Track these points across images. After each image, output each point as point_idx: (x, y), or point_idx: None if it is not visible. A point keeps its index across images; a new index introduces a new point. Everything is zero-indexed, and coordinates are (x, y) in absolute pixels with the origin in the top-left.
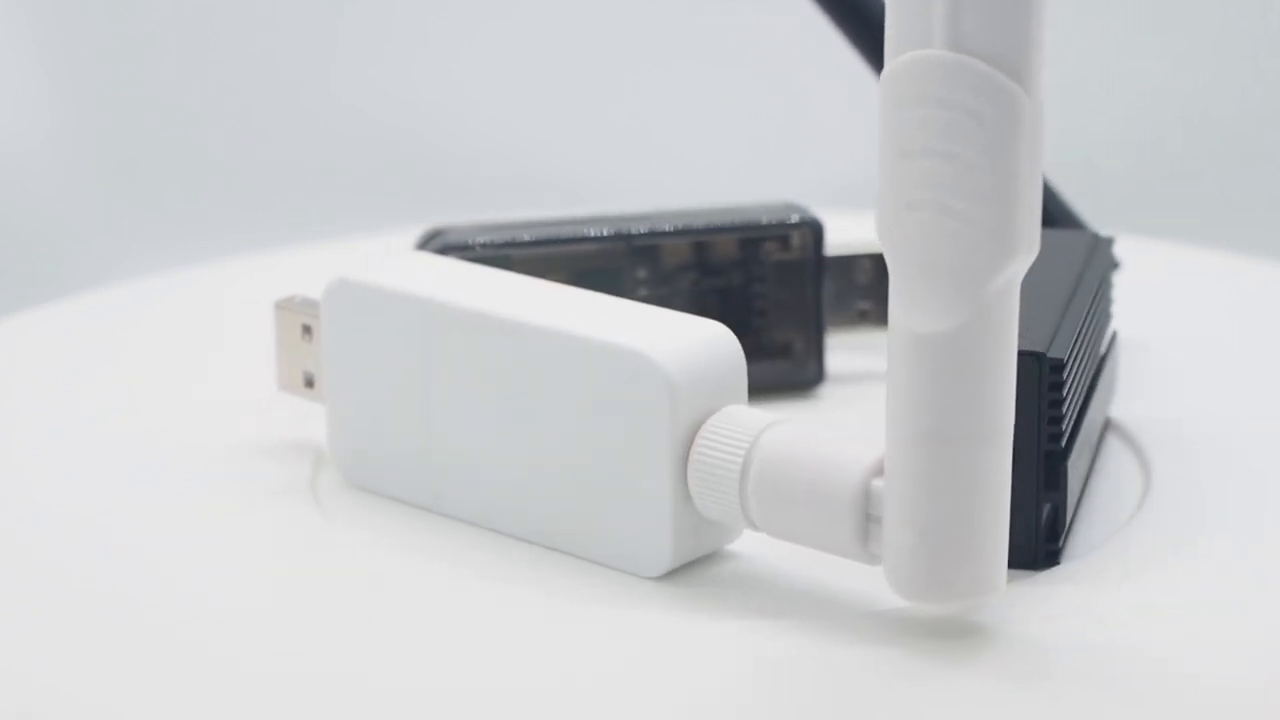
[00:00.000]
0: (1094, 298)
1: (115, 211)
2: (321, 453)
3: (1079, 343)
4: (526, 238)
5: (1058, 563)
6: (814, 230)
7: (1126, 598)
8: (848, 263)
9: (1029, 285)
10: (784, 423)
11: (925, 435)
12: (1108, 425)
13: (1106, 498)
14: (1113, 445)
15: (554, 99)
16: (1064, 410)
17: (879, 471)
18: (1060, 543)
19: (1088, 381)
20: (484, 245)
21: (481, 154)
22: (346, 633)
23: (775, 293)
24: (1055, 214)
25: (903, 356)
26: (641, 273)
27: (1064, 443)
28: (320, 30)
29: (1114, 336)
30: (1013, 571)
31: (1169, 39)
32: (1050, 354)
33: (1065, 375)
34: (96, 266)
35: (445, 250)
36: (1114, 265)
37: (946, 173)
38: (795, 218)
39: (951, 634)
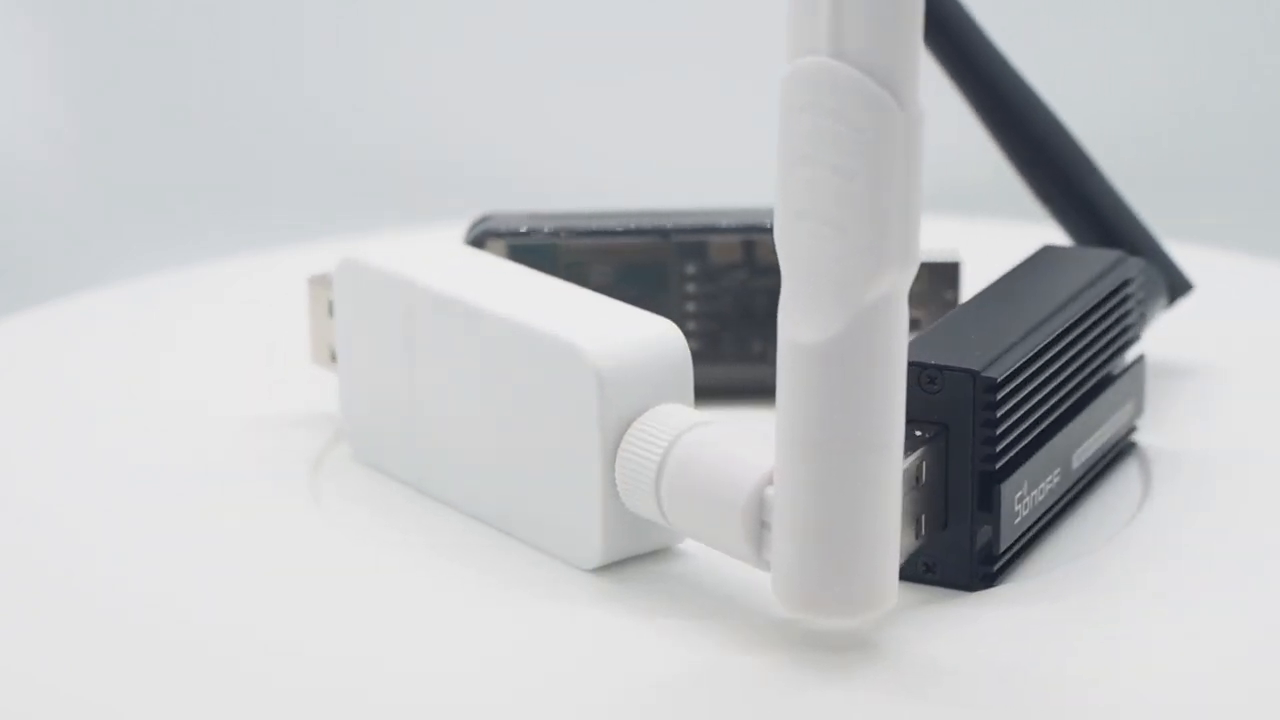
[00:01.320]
0: (1084, 319)
1: (115, 211)
2: (320, 453)
3: (1039, 364)
4: (573, 228)
5: (993, 585)
6: None
7: (1045, 623)
8: None
9: (1004, 301)
10: (710, 425)
11: (804, 444)
12: (1129, 448)
13: (1091, 523)
14: (1127, 468)
15: (555, 99)
16: (1000, 431)
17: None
18: (996, 566)
19: (1064, 404)
20: (530, 234)
21: (483, 154)
22: (328, 630)
23: None
24: (1142, 244)
25: (786, 365)
26: (690, 269)
27: (1000, 465)
28: (321, 31)
29: (1138, 358)
30: (947, 591)
31: (1165, 38)
32: (986, 373)
33: (1004, 396)
34: (96, 266)
35: (490, 237)
36: (1185, 288)
37: (827, 181)
38: None
39: (845, 647)
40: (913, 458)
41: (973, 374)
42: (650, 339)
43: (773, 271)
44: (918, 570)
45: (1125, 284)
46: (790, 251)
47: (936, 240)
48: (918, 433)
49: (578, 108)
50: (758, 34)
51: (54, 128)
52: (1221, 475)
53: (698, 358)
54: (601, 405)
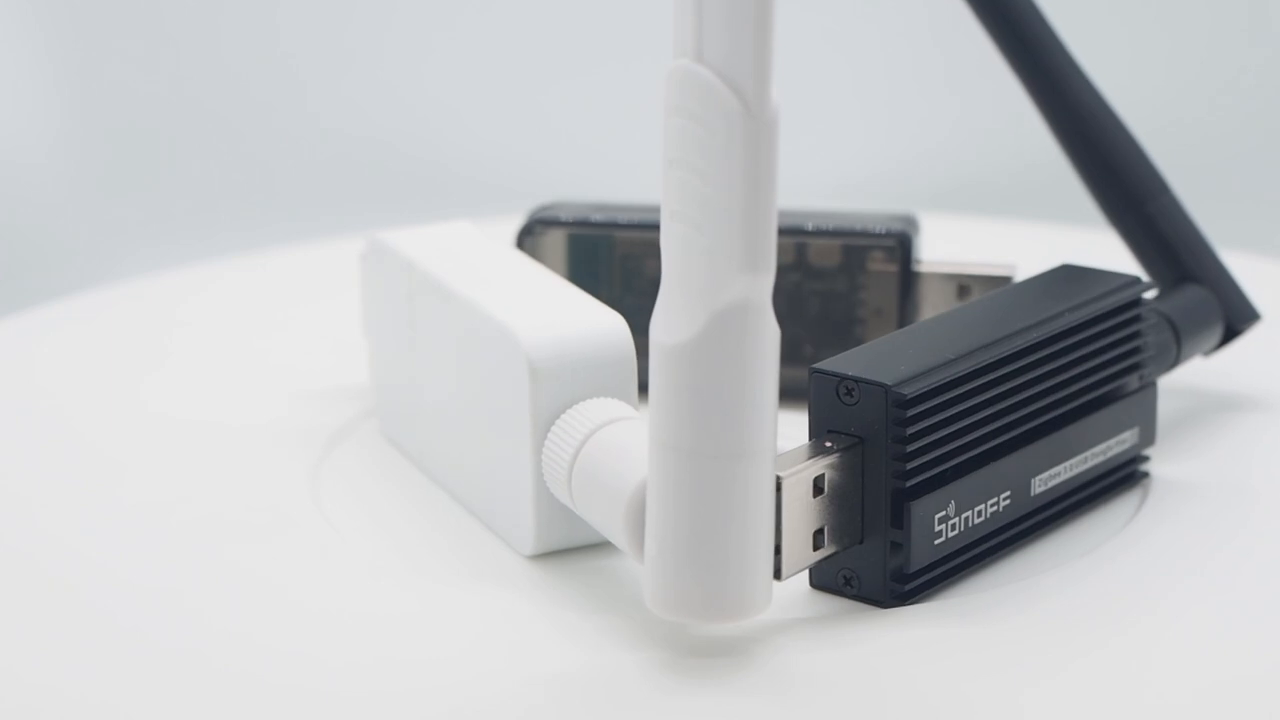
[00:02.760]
0: (1055, 341)
1: (115, 211)
2: (320, 453)
3: (974, 384)
4: (629, 221)
5: (906, 601)
6: (901, 243)
7: (932, 644)
8: (945, 279)
9: (967, 318)
10: (627, 420)
11: (665, 446)
12: (1136, 478)
13: (1053, 550)
14: (1127, 499)
15: (556, 98)
16: (913, 449)
17: None
18: (909, 585)
19: (1016, 426)
20: (584, 224)
21: (484, 154)
22: (322, 631)
23: (873, 301)
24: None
25: (653, 366)
26: None
27: (913, 483)
28: (321, 31)
29: (1145, 385)
30: (860, 606)
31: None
32: (898, 389)
33: (919, 413)
34: (96, 266)
35: (549, 226)
36: (1252, 317)
37: (689, 183)
38: (882, 229)
39: (722, 651)
40: (804, 467)
41: (885, 388)
42: (591, 332)
43: (826, 275)
44: (838, 582)
45: (1123, 309)
46: (665, 252)
47: (986, 250)
48: (828, 444)
49: (581, 107)
50: None
51: (55, 128)
52: (1221, 510)
53: None
54: (533, 395)
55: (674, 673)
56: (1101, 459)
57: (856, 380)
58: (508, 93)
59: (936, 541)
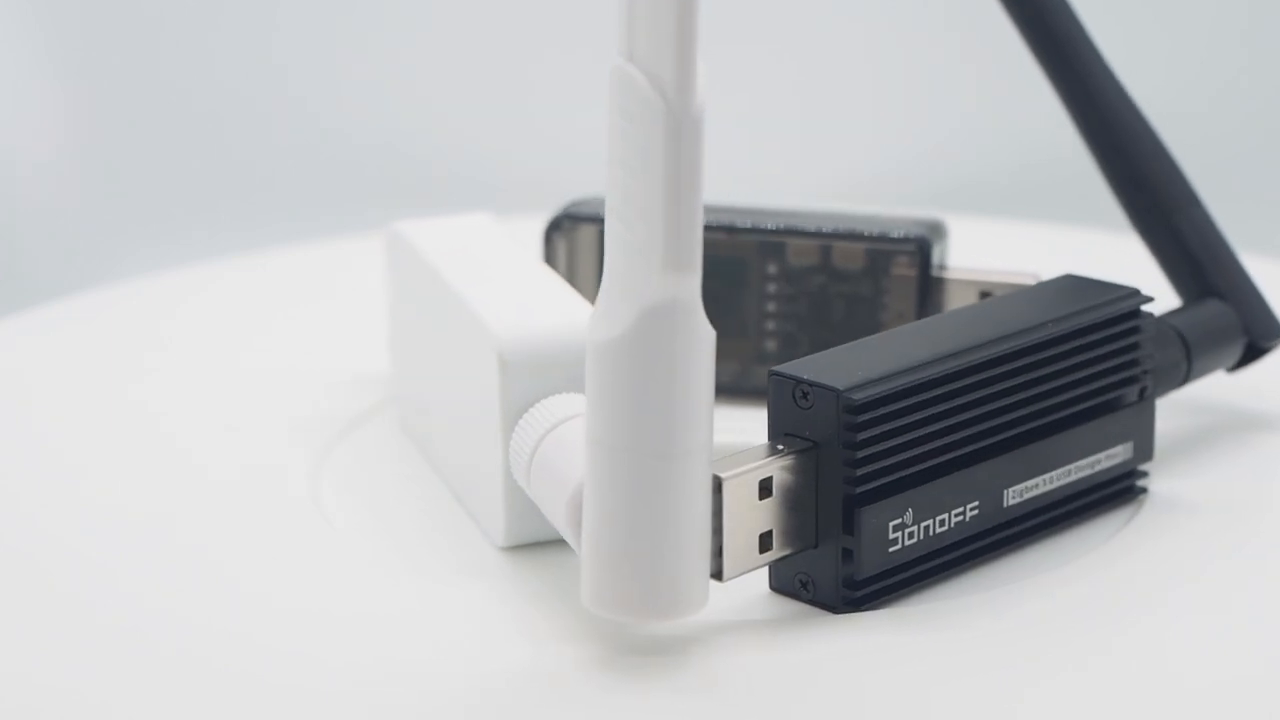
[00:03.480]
0: (1032, 352)
1: (114, 211)
2: (320, 453)
3: (936, 392)
4: None
5: (859, 607)
6: (920, 248)
7: (871, 653)
8: (966, 285)
9: (944, 325)
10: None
11: (598, 444)
12: (1132, 493)
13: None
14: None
15: (558, 98)
16: (865, 455)
17: None
18: (860, 591)
19: (985, 437)
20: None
21: (486, 153)
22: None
23: (894, 306)
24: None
25: (588, 362)
26: (771, 268)
27: (865, 489)
28: (322, 31)
29: (1142, 399)
30: (813, 610)
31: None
32: (849, 393)
33: (872, 419)
34: (96, 266)
35: (573, 220)
36: (1277, 335)
37: (622, 180)
38: (902, 234)
39: (656, 650)
40: (748, 468)
41: (836, 393)
42: (566, 327)
43: (851, 278)
44: (794, 586)
45: (1114, 322)
46: (605, 249)
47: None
48: (779, 447)
49: (582, 107)
50: (755, 34)
51: (55, 128)
52: (1214, 528)
53: (774, 358)
54: (503, 387)
55: (610, 670)
56: (1088, 473)
57: (811, 384)
58: (516, 91)
59: (892, 549)
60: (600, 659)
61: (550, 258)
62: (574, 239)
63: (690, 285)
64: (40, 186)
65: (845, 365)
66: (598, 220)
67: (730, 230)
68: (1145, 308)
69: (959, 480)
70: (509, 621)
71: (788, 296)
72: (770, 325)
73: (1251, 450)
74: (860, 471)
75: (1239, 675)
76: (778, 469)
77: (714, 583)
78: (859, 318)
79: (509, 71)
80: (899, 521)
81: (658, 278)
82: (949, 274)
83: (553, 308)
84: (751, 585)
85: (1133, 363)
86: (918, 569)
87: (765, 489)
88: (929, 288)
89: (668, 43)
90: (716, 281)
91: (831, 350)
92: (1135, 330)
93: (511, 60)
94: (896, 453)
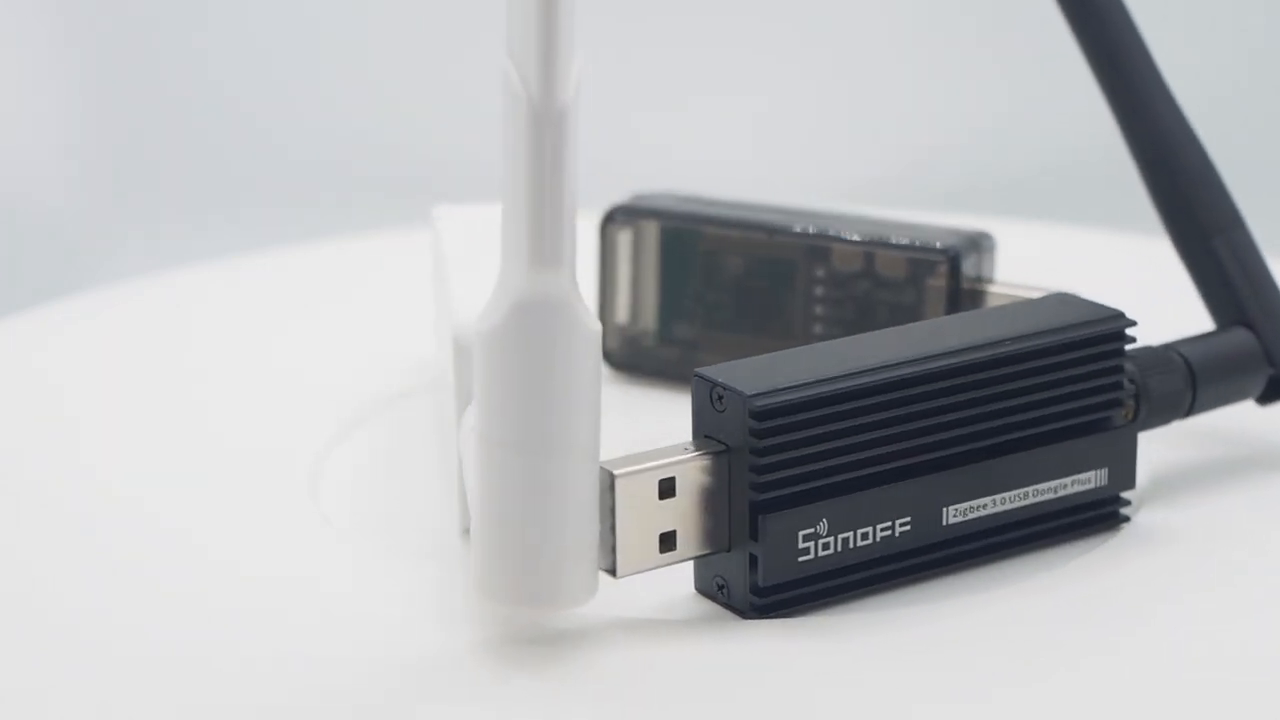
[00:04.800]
0: (983, 368)
1: (116, 211)
2: (320, 453)
3: (860, 403)
4: (710, 215)
5: (766, 614)
6: (951, 260)
7: (759, 654)
8: (995, 299)
9: (892, 337)
10: None
11: (478, 434)
12: (1112, 520)
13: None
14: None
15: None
16: (770, 461)
17: None
18: (767, 599)
19: (921, 453)
20: (668, 215)
21: (487, 153)
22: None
23: (929, 316)
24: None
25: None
26: (818, 272)
27: (771, 496)
28: (323, 30)
29: (1123, 425)
30: (723, 613)
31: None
32: (756, 398)
33: (779, 425)
34: (96, 266)
35: (627, 215)
36: None
37: (503, 173)
38: (936, 244)
39: (547, 640)
40: (647, 467)
41: (744, 397)
42: None
43: (894, 286)
44: (713, 588)
45: (1084, 344)
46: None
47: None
48: (687, 447)
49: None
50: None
51: (55, 128)
52: (1189, 559)
53: None
54: (457, 371)
55: (491, 657)
56: (1050, 496)
57: (725, 388)
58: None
59: (802, 559)
60: (488, 644)
61: (604, 251)
62: (625, 234)
63: (558, 281)
64: (42, 187)
65: (767, 371)
66: (651, 215)
67: (772, 231)
68: (1130, 331)
69: (884, 494)
70: (424, 608)
71: (834, 301)
72: (817, 329)
73: (1262, 487)
74: (765, 478)
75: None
76: (683, 470)
77: (645, 581)
78: (901, 325)
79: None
80: (810, 531)
81: (525, 273)
82: (989, 287)
83: None
84: (679, 585)
85: (1109, 387)
86: (838, 581)
87: (667, 489)
88: (959, 300)
89: (532, 38)
90: (764, 282)
91: (766, 355)
92: (1114, 354)
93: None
94: (808, 462)
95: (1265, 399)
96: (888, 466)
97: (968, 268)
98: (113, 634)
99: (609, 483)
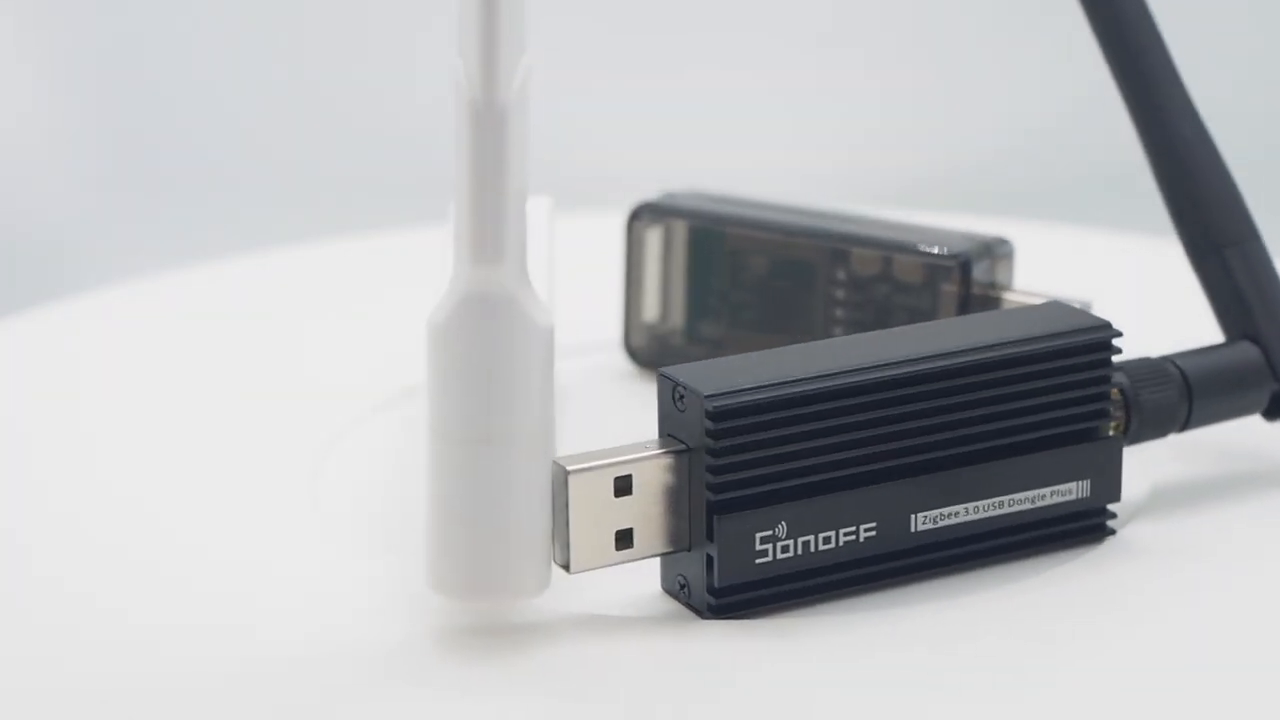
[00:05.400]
0: (953, 375)
1: (115, 211)
2: (321, 454)
3: (821, 406)
4: (737, 215)
5: (723, 615)
6: (962, 266)
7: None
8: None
9: (866, 342)
10: None
11: (427, 426)
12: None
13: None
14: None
15: (560, 96)
16: (726, 462)
17: None
18: (721, 600)
19: (886, 459)
20: (694, 215)
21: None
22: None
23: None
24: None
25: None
26: (839, 274)
27: (727, 496)
28: (323, 30)
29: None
30: (688, 613)
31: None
32: (713, 399)
33: (736, 426)
34: (96, 266)
35: (653, 213)
36: None
37: (453, 169)
38: (948, 250)
39: (489, 630)
40: (602, 465)
41: (701, 397)
42: None
43: (911, 289)
44: (675, 586)
45: (1067, 354)
46: None
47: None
48: (648, 446)
49: (583, 105)
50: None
51: (55, 128)
52: (1163, 574)
53: None
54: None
55: (439, 647)
56: (1027, 507)
57: (685, 387)
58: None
59: (759, 560)
60: (443, 634)
61: (630, 248)
62: (654, 232)
63: (501, 276)
64: (41, 187)
65: (731, 371)
66: (677, 214)
67: (794, 234)
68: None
69: (848, 499)
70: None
71: (854, 304)
72: (838, 331)
73: (1261, 504)
74: (722, 478)
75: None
76: (641, 468)
77: (615, 578)
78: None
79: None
80: (768, 534)
81: (467, 269)
82: (1004, 294)
83: None
84: (647, 583)
85: (1093, 397)
86: (799, 584)
87: (623, 487)
88: (970, 306)
89: (473, 35)
90: (787, 283)
91: (738, 356)
92: (1099, 365)
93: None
94: (766, 464)
95: (1272, 414)
96: (851, 471)
97: (979, 274)
98: (89, 616)
99: (562, 479)
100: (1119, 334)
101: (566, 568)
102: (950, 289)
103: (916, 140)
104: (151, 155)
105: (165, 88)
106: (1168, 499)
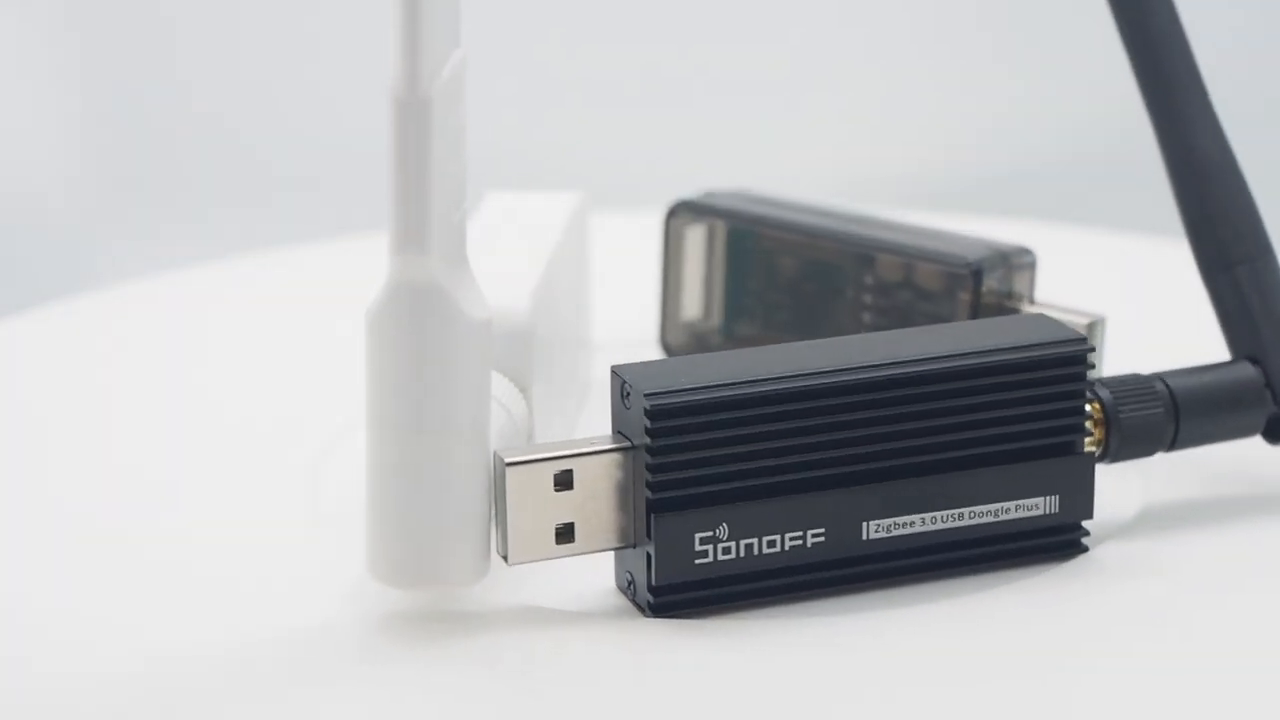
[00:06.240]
0: (911, 383)
1: (116, 211)
2: (321, 454)
3: (770, 409)
4: (773, 217)
5: (663, 614)
6: (974, 274)
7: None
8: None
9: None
10: None
11: (365, 414)
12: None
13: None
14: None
15: (560, 96)
16: (662, 461)
17: None
18: (660, 599)
19: (838, 465)
20: (730, 215)
21: (489, 152)
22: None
23: None
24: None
25: None
26: (867, 279)
27: (665, 495)
28: (323, 29)
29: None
30: (630, 609)
31: None
32: (652, 398)
33: (675, 426)
34: (98, 266)
35: (690, 211)
36: None
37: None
38: (961, 258)
39: (432, 617)
40: (542, 458)
41: (641, 395)
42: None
43: (934, 297)
44: (624, 583)
45: (1034, 366)
46: None
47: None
48: (592, 442)
49: (584, 105)
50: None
51: (54, 128)
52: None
53: None
54: None
55: (373, 633)
56: (989, 520)
57: (630, 385)
58: (515, 89)
59: (699, 561)
60: (384, 620)
61: (668, 245)
62: (691, 230)
63: (424, 266)
64: (41, 187)
65: (680, 370)
66: (713, 214)
67: (823, 237)
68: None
69: (794, 504)
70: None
71: (880, 309)
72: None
73: (1251, 529)
74: (660, 477)
75: None
76: (583, 463)
77: (573, 572)
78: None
79: (520, 70)
80: (709, 535)
81: (393, 259)
82: (1021, 304)
83: (502, 283)
84: (598, 575)
85: (1064, 412)
86: (743, 586)
87: (564, 481)
88: (981, 315)
89: (395, 28)
90: (817, 286)
91: (699, 355)
92: (1071, 379)
93: (522, 59)
94: (707, 464)
95: (1273, 437)
96: (799, 475)
97: (995, 282)
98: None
99: (501, 471)
100: (1091, 349)
101: (505, 559)
102: (965, 297)
103: (981, 140)
104: (152, 155)
105: (166, 88)
106: (1155, 519)
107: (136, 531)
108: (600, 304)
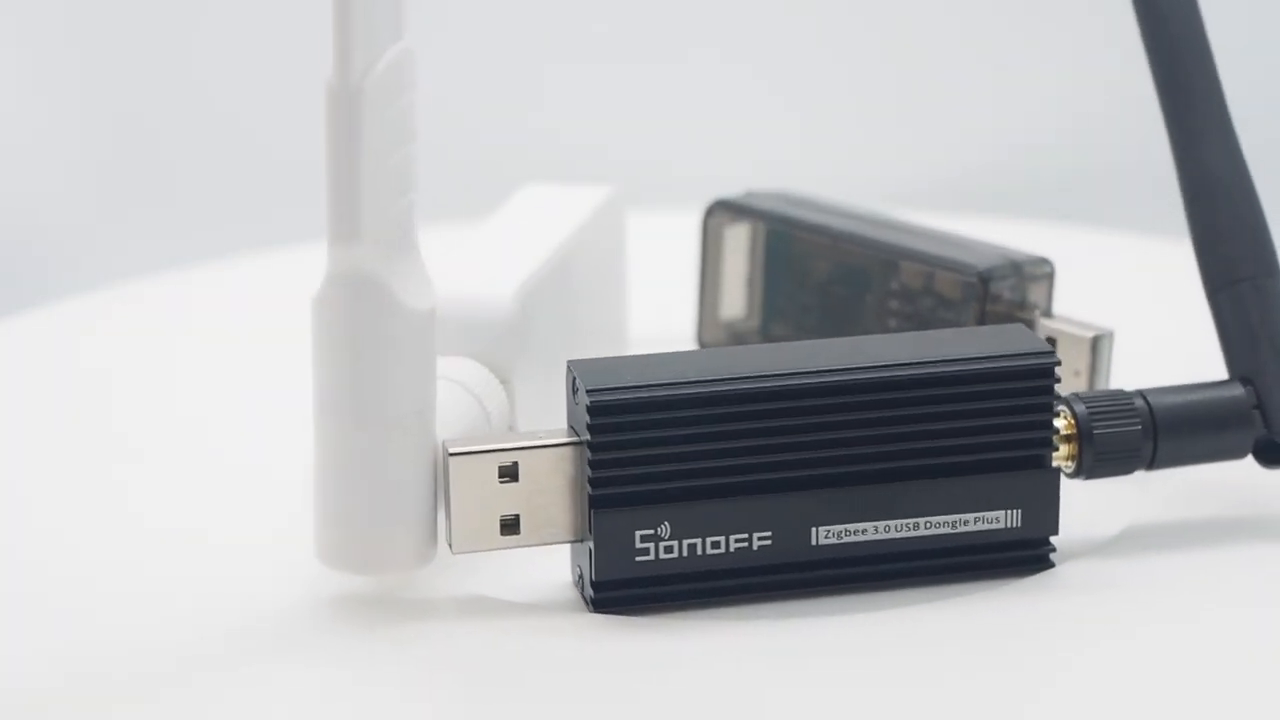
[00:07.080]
0: (874, 389)
1: (115, 211)
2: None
3: (722, 410)
4: (808, 220)
5: (603, 610)
6: (983, 282)
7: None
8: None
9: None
10: (443, 380)
11: (312, 404)
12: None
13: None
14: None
15: (560, 96)
16: (601, 458)
17: None
18: (599, 594)
19: (787, 469)
20: (767, 216)
21: (489, 152)
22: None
23: None
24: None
25: None
26: (893, 284)
27: (606, 491)
28: (323, 29)
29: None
30: (577, 603)
31: None
32: (594, 394)
33: (611, 423)
34: (96, 266)
35: (728, 211)
36: None
37: None
38: (970, 268)
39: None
40: (487, 450)
41: (585, 391)
42: (472, 295)
43: (952, 304)
44: (575, 576)
45: (997, 378)
46: None
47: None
48: (542, 436)
49: (585, 105)
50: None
51: (54, 128)
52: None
53: None
54: None
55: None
56: (945, 531)
57: (578, 380)
58: (516, 89)
59: (640, 559)
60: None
61: (706, 244)
62: (728, 229)
63: (358, 256)
64: (40, 187)
65: (629, 369)
66: (751, 214)
67: (848, 241)
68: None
69: (739, 506)
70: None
71: (904, 315)
72: None
73: (1231, 549)
74: (600, 474)
75: None
76: (529, 456)
77: (531, 564)
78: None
79: (521, 70)
80: (650, 533)
81: (330, 249)
82: (1034, 316)
83: (477, 277)
84: (554, 570)
85: (1028, 425)
86: (686, 586)
87: (509, 473)
88: (986, 324)
89: (331, 20)
90: (846, 289)
91: (654, 354)
92: (1036, 392)
93: (522, 59)
94: (649, 463)
95: (1268, 461)
96: (745, 478)
97: (1006, 292)
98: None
99: (445, 461)
100: (1057, 362)
101: (450, 547)
102: (975, 305)
103: (1030, 141)
104: (152, 156)
105: (165, 88)
106: (1136, 538)
107: (136, 531)
108: (640, 301)
